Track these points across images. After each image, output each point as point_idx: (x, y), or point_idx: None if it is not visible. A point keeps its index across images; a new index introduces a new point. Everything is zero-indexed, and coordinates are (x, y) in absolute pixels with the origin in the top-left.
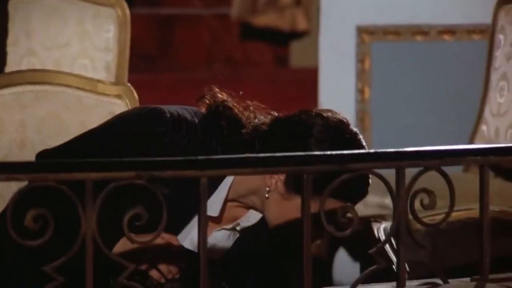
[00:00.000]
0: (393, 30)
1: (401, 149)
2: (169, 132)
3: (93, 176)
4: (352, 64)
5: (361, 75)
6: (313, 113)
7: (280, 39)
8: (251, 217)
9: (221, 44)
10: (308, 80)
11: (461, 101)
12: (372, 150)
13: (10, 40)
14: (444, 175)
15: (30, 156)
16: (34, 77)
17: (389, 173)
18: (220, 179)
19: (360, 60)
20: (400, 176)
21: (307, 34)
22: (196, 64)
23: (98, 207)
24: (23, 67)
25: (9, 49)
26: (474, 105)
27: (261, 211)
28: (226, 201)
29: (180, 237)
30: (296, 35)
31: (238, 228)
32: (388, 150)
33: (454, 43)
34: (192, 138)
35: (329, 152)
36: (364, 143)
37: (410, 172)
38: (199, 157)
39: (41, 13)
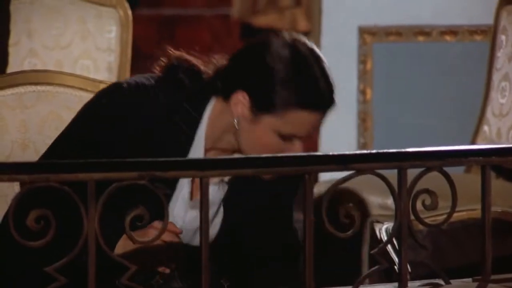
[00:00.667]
0: (395, 30)
1: (402, 150)
2: (130, 99)
3: (95, 176)
4: (354, 64)
5: (363, 75)
6: (266, 38)
7: None
8: None
9: (222, 44)
10: None
11: (463, 102)
12: (374, 151)
13: (12, 40)
14: (446, 176)
15: (32, 157)
16: (36, 77)
17: (391, 174)
18: (193, 131)
19: (362, 60)
20: (402, 176)
21: (308, 35)
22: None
23: (100, 208)
24: (25, 67)
25: (11, 49)
26: (476, 106)
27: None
28: (205, 152)
29: (173, 199)
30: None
31: (225, 179)
32: (390, 150)
33: (456, 43)
34: (154, 100)
35: (330, 153)
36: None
37: (412, 172)
38: (201, 158)
39: (43, 13)
